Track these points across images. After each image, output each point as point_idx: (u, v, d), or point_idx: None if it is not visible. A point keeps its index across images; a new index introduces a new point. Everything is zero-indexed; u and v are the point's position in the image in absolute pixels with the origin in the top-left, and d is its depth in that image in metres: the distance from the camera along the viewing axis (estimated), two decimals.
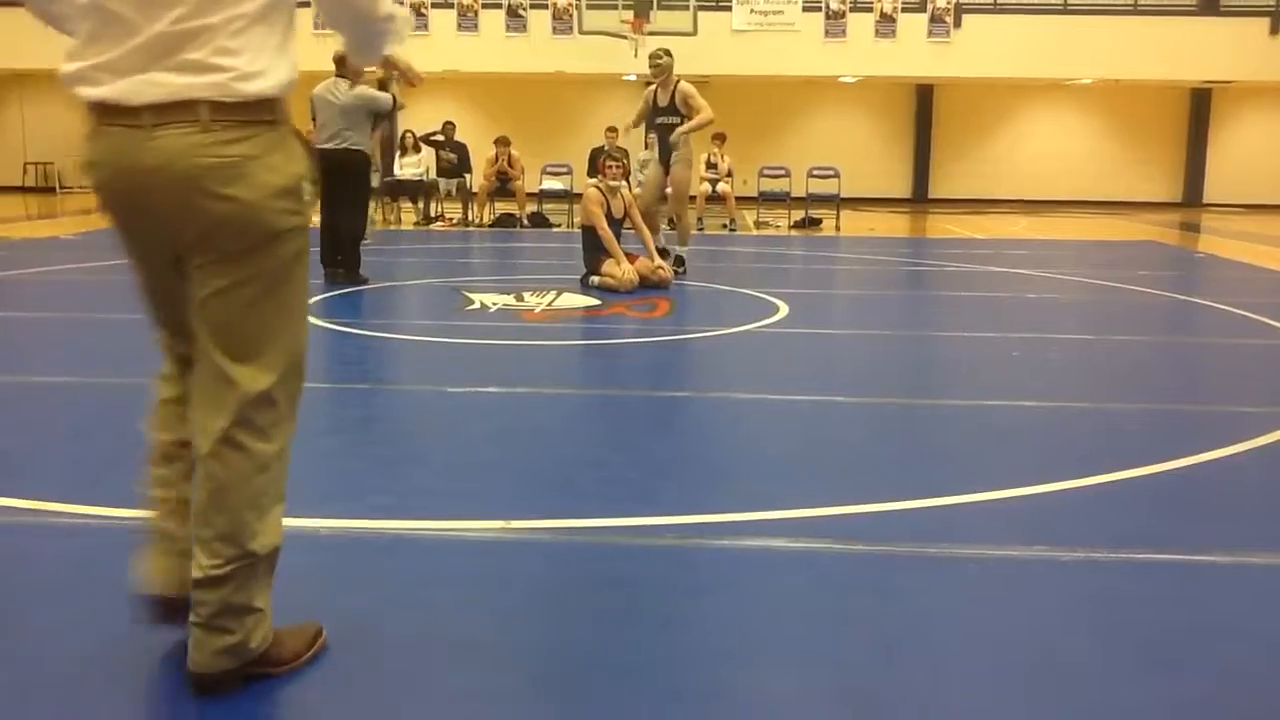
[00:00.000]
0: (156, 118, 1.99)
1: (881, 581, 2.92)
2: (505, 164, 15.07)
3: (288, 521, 2.29)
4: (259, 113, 2.05)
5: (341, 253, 8.58)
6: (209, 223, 2.04)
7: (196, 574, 2.14)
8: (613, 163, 8.76)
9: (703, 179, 15.87)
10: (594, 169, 9.13)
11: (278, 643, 2.30)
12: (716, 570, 2.97)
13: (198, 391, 2.17)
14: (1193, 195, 23.11)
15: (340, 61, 8.44)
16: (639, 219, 9.03)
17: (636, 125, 10.04)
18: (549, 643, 2.59)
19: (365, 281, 8.58)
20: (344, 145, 8.35)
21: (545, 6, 19.46)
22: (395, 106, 8.95)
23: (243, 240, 2.07)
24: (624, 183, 8.89)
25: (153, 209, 2.06)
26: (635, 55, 17.89)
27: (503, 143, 15.16)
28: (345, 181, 8.32)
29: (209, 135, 2.00)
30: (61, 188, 23.02)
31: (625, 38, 17.87)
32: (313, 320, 6.90)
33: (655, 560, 3.05)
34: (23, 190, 22.86)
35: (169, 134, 1.99)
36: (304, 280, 2.22)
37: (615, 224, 8.73)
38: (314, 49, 18.00)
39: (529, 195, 15.65)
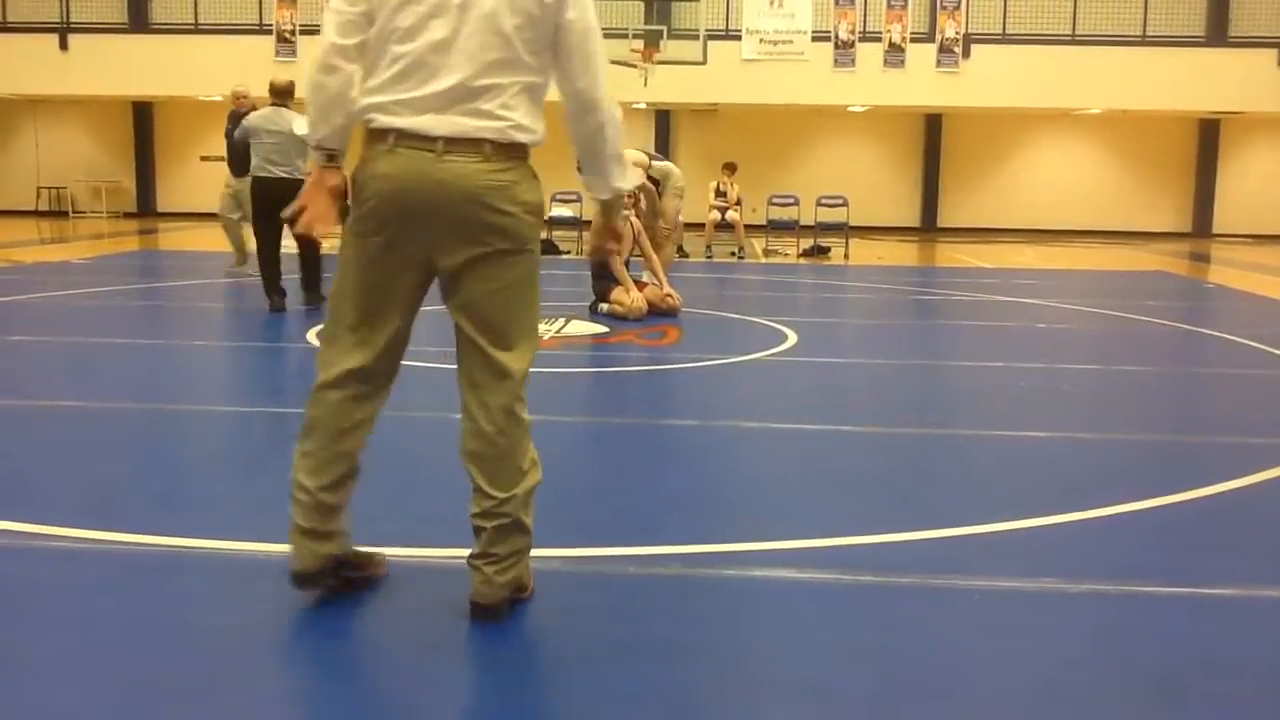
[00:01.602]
0: (449, 146, 2.57)
1: (887, 613, 2.91)
2: None
3: (276, 547, 2.29)
4: (520, 153, 2.65)
5: (306, 275, 8.78)
6: (486, 227, 2.60)
7: (484, 505, 2.67)
8: None
9: (712, 207, 15.93)
10: None
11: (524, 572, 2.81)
12: (722, 601, 2.97)
13: (471, 376, 2.69)
14: (1202, 225, 23.10)
15: (281, 90, 8.67)
16: (648, 247, 9.06)
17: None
18: (553, 672, 2.59)
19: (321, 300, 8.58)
20: (295, 175, 8.30)
21: None
22: None
23: (509, 244, 2.63)
24: (632, 212, 8.92)
25: (436, 214, 2.59)
26: (645, 84, 18.00)
27: None
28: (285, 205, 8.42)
29: (489, 164, 2.59)
30: (74, 212, 23.18)
31: (635, 66, 17.97)
32: (314, 344, 6.94)
33: (661, 590, 3.04)
34: (36, 214, 23.01)
35: (457, 159, 2.57)
36: (538, 284, 2.77)
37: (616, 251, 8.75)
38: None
39: None
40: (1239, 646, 2.76)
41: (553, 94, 2.74)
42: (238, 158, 9.51)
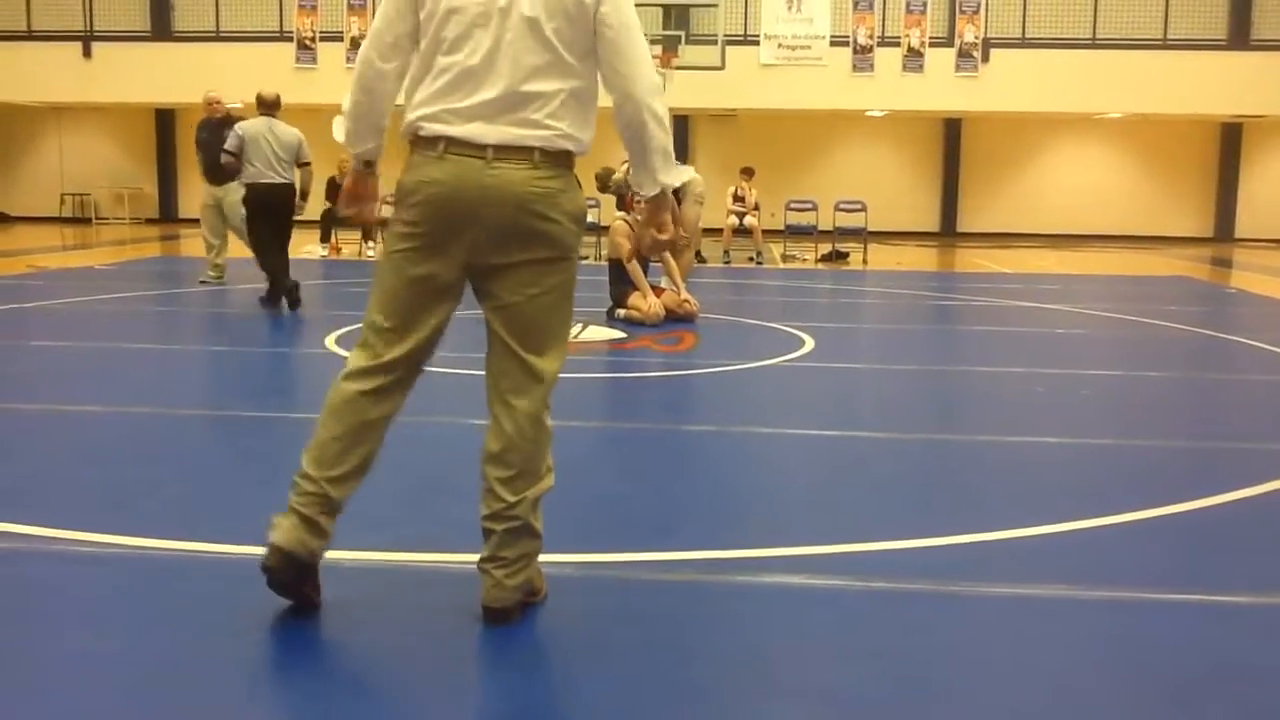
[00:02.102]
0: (498, 154, 2.62)
1: (899, 619, 2.91)
2: None
3: None
4: (566, 161, 2.70)
5: (287, 278, 9.03)
6: (532, 235, 2.66)
7: (495, 507, 2.70)
8: (639, 199, 8.80)
9: (729, 212, 15.93)
10: (621, 203, 9.19)
11: (536, 576, 2.85)
12: (735, 606, 2.97)
13: (501, 380, 2.74)
14: (1224, 230, 22.95)
15: (271, 103, 9.16)
16: (665, 253, 9.06)
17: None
18: (566, 676, 2.59)
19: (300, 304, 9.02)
20: (282, 180, 8.95)
21: None
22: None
23: (553, 251, 2.69)
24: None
25: (483, 219, 2.64)
26: (664, 89, 17.99)
27: None
28: (285, 212, 9.03)
29: (537, 171, 2.64)
30: (97, 218, 23.38)
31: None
32: (333, 349, 6.97)
33: (674, 595, 3.05)
34: (59, 220, 23.22)
35: (505, 166, 2.62)
36: (574, 291, 2.82)
37: (642, 257, 8.77)
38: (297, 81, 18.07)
39: None
40: (1256, 654, 2.74)
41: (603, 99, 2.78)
42: (216, 166, 9.68)
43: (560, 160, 2.69)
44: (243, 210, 9.28)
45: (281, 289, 9.01)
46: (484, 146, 2.62)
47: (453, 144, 2.64)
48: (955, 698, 2.48)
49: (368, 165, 2.83)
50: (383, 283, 2.76)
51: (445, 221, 2.66)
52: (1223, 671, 2.64)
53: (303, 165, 9.20)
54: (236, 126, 9.07)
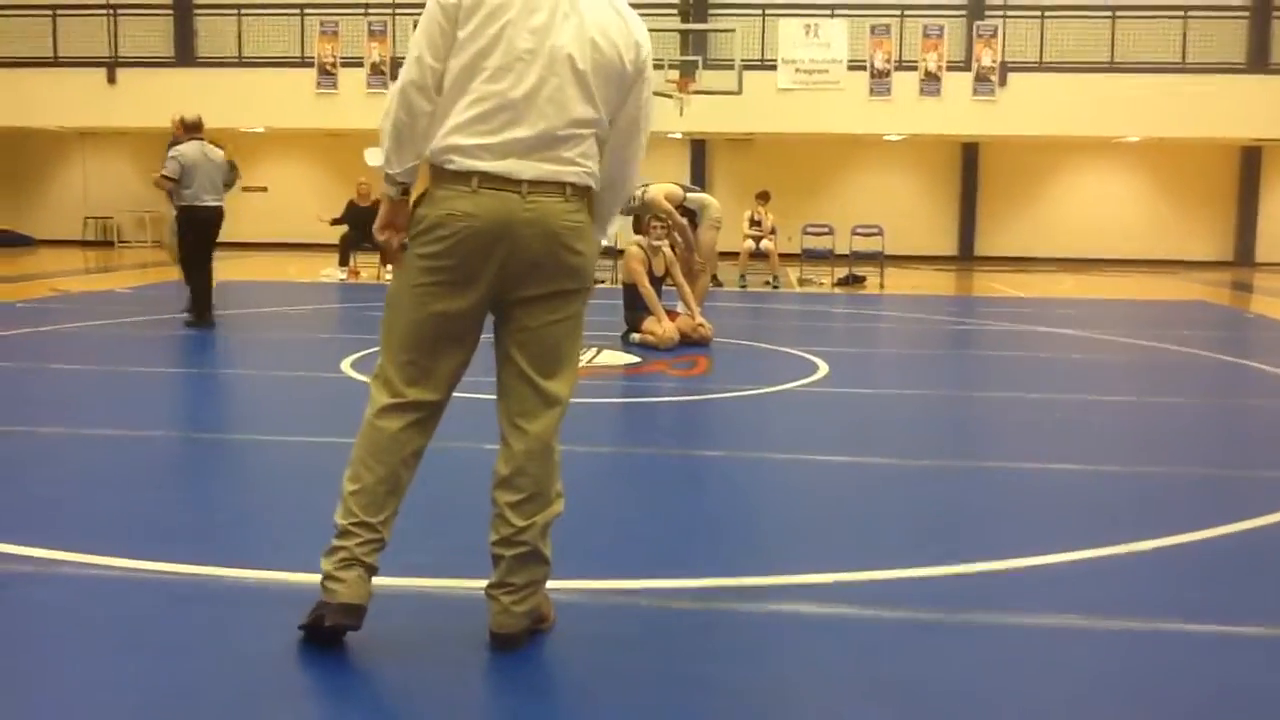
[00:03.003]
0: (532, 188, 2.66)
1: (908, 648, 2.90)
2: None
3: (304, 577, 2.33)
4: (589, 196, 2.79)
5: (205, 299, 9.38)
6: (561, 267, 2.72)
7: (504, 532, 2.74)
8: (657, 223, 8.85)
9: (746, 236, 15.96)
10: (638, 226, 9.23)
11: (544, 603, 2.87)
12: (745, 634, 2.98)
13: (514, 405, 2.79)
14: (1244, 254, 22.82)
15: (196, 126, 9.44)
16: (680, 277, 9.10)
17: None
18: (572, 704, 2.60)
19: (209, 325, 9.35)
20: (217, 203, 9.34)
21: None
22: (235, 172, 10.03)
23: (577, 283, 2.77)
24: (666, 242, 8.98)
25: (516, 252, 2.68)
26: (681, 114, 18.09)
27: None
28: (215, 234, 9.44)
29: (568, 204, 2.71)
30: (120, 242, 23.60)
31: (671, 97, 18.08)
32: (349, 374, 7.01)
33: (683, 623, 3.06)
34: (83, 244, 23.45)
35: (541, 199, 2.67)
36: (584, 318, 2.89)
37: (656, 282, 8.81)
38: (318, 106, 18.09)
39: None
40: (1269, 686, 2.73)
41: None
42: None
43: (585, 195, 2.76)
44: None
45: (208, 305, 9.38)
46: (520, 181, 2.65)
47: (487, 178, 2.64)
48: None
49: (404, 192, 2.76)
50: (402, 316, 2.75)
51: (476, 255, 2.67)
52: (1234, 702, 2.63)
53: (229, 185, 9.67)
54: (174, 151, 9.32)
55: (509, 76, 2.62)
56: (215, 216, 9.36)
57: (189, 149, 9.28)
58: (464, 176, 2.64)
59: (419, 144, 2.69)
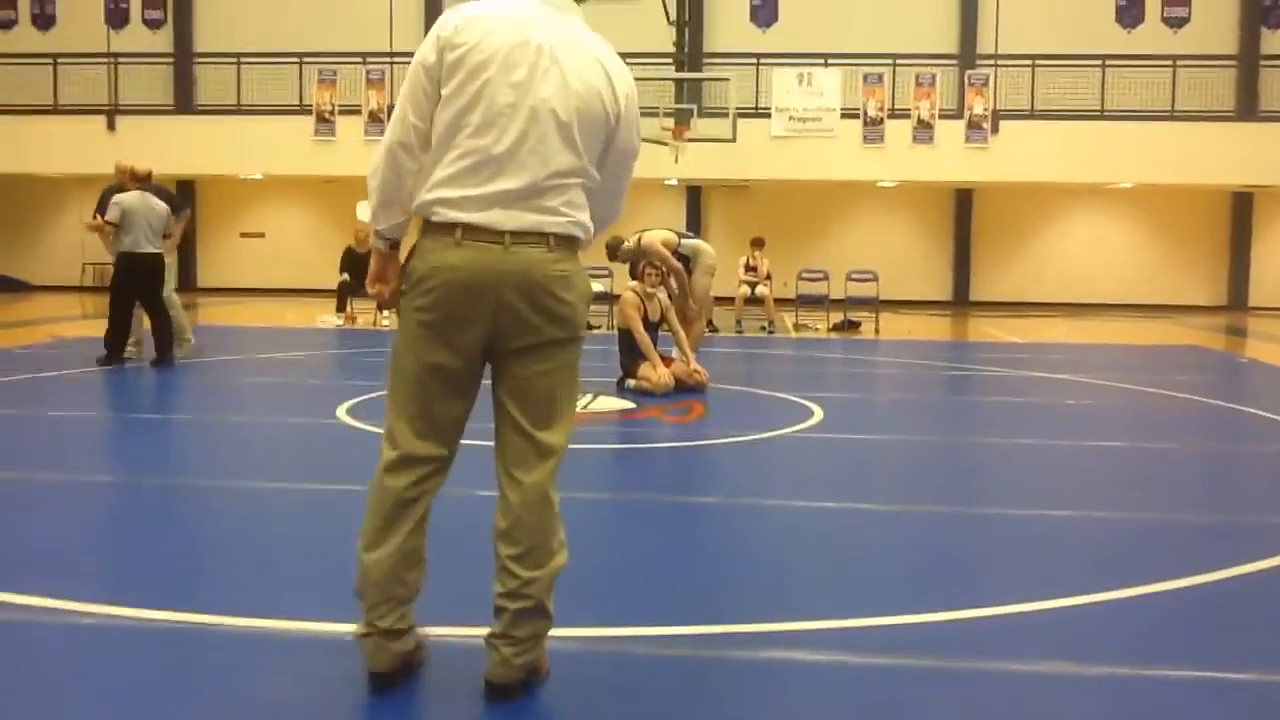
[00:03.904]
0: (515, 239, 2.68)
1: (898, 697, 2.91)
2: None
3: (300, 625, 2.33)
4: (576, 246, 2.80)
5: (163, 339, 9.86)
6: (548, 316, 2.73)
7: (509, 585, 2.74)
8: (652, 270, 8.91)
9: (741, 281, 16.05)
10: (633, 272, 9.29)
11: (541, 654, 2.87)
12: (736, 683, 2.98)
13: (509, 456, 2.80)
14: (1237, 299, 22.96)
15: (145, 177, 9.91)
16: (675, 322, 9.14)
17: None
18: None
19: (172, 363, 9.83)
20: (155, 250, 9.75)
21: None
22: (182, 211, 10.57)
23: (566, 331, 2.78)
24: (661, 288, 9.03)
25: (502, 303, 2.70)
26: (676, 161, 18.25)
27: None
28: (156, 280, 9.82)
29: (552, 254, 2.72)
30: None
31: (666, 144, 18.25)
32: (344, 420, 7.02)
33: (674, 671, 3.06)
34: (79, 290, 23.51)
35: (524, 249, 2.69)
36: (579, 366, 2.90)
37: (652, 328, 8.85)
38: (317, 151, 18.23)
39: None
40: None
41: None
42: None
43: (571, 245, 2.77)
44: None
45: (169, 341, 9.86)
46: (502, 232, 2.67)
47: (470, 230, 2.67)
48: None
49: (392, 246, 2.84)
50: (402, 370, 2.79)
51: (464, 307, 2.70)
52: None
53: (168, 236, 10.04)
54: (116, 198, 9.72)
55: (492, 132, 2.66)
56: (154, 264, 9.77)
57: (131, 197, 9.71)
58: (448, 229, 2.68)
59: (405, 201, 2.77)
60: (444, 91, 2.68)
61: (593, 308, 13.78)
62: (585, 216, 2.79)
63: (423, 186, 2.72)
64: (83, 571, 3.88)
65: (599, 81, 2.73)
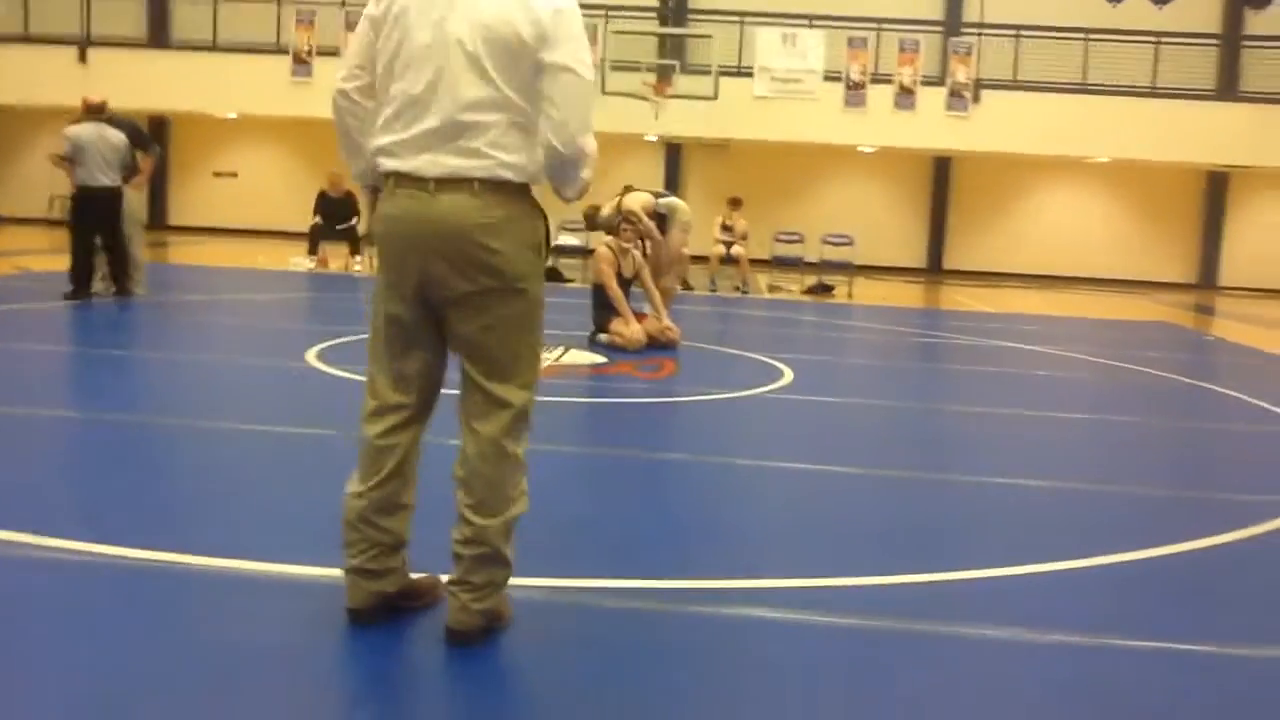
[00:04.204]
0: (439, 186, 2.65)
1: (860, 657, 2.93)
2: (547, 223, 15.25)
3: (275, 566, 2.31)
4: (511, 191, 2.69)
5: (117, 271, 9.82)
6: (475, 265, 2.67)
7: (464, 532, 2.74)
8: (627, 226, 8.86)
9: (717, 241, 16.01)
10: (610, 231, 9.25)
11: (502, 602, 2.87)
12: (697, 637, 2.99)
13: (467, 407, 2.78)
14: (1207, 277, 23.16)
15: (97, 108, 9.67)
16: (649, 279, 9.12)
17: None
18: (523, 703, 2.61)
19: (133, 295, 9.87)
20: (111, 184, 9.56)
21: None
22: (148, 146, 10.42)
23: (497, 281, 2.69)
24: (635, 244, 9.00)
25: (430, 252, 2.67)
26: (656, 117, 18.14)
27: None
28: (114, 214, 9.61)
29: (478, 200, 2.66)
30: None
31: (647, 100, 18.13)
32: (313, 364, 6.97)
33: (637, 624, 3.07)
34: (47, 223, 23.15)
35: (448, 198, 2.65)
36: (541, 319, 2.83)
37: (625, 283, 8.82)
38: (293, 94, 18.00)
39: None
40: (1214, 706, 2.77)
41: None
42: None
43: (505, 190, 2.69)
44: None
45: (125, 273, 9.80)
46: (427, 180, 2.67)
47: (401, 180, 2.70)
48: None
49: (374, 191, 2.87)
50: (374, 320, 2.86)
51: (398, 257, 2.74)
52: (1177, 718, 2.67)
53: (131, 165, 9.85)
54: (67, 131, 9.58)
55: (410, 73, 2.67)
56: (110, 196, 9.55)
57: (83, 129, 9.54)
58: (387, 178, 2.73)
59: (358, 149, 2.83)
60: (379, 40, 2.72)
61: (567, 262, 13.86)
62: (519, 157, 2.68)
63: (372, 136, 2.76)
64: (49, 507, 3.84)
65: (510, 5, 2.63)
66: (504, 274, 2.70)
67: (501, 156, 2.66)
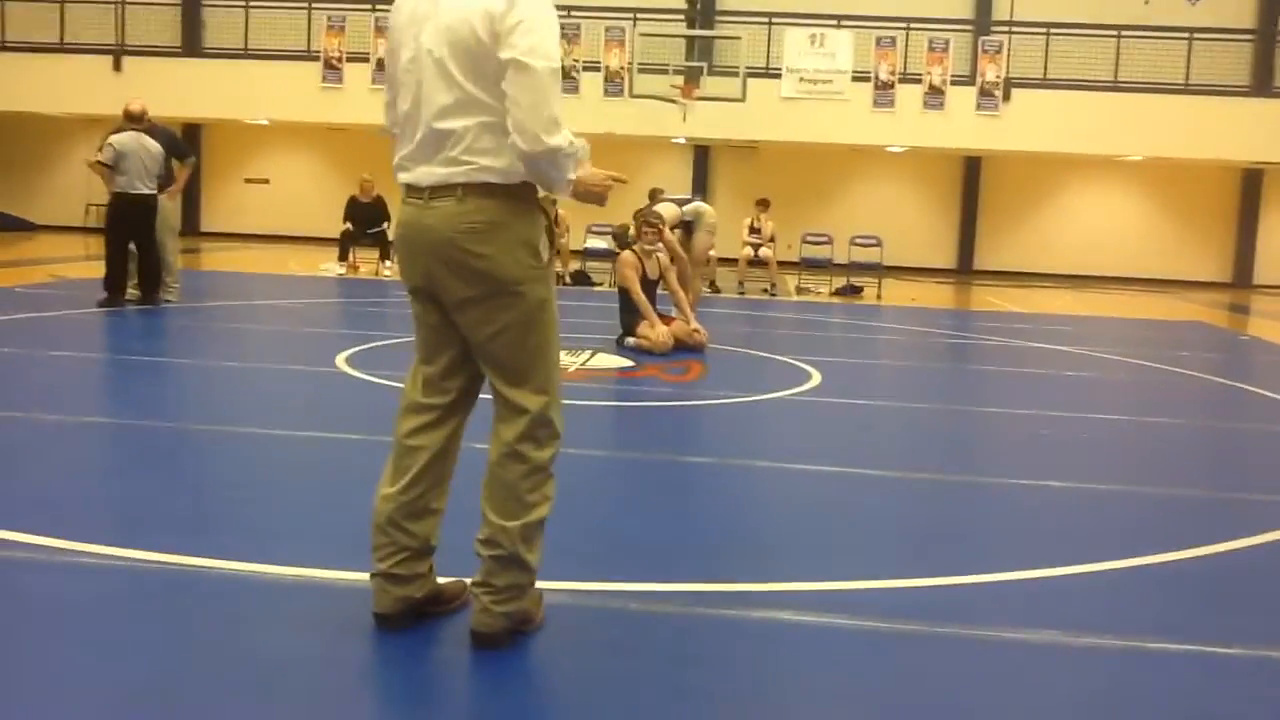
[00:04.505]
0: (432, 195, 2.72)
1: (887, 660, 2.93)
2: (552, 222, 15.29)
3: (307, 571, 2.34)
4: (497, 193, 2.68)
5: (150, 278, 9.96)
6: (465, 271, 2.70)
7: (484, 533, 2.77)
8: (648, 229, 8.87)
9: (745, 243, 15.99)
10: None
11: (531, 605, 2.89)
12: (726, 641, 2.99)
13: (494, 408, 2.81)
14: (1242, 276, 22.87)
15: (137, 117, 9.84)
16: (674, 282, 9.12)
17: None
18: (549, 706, 2.62)
19: (164, 302, 10.07)
20: (150, 191, 9.75)
21: (598, 69, 19.81)
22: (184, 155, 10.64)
23: (489, 286, 2.70)
24: (659, 246, 8.99)
25: (428, 259, 2.73)
26: (684, 119, 18.13)
27: (549, 202, 15.37)
28: (151, 220, 9.78)
29: (462, 206, 2.68)
30: None
31: (675, 102, 18.12)
32: (342, 369, 7.01)
33: (665, 628, 3.07)
34: (84, 230, 23.43)
35: (438, 205, 2.70)
36: (549, 320, 2.80)
37: (651, 286, 8.82)
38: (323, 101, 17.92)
39: (573, 253, 15.83)
40: (1244, 708, 2.74)
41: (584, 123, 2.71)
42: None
43: (490, 192, 2.69)
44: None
45: (155, 284, 9.97)
46: (423, 190, 2.74)
47: (408, 190, 2.80)
48: None
49: None
50: (413, 321, 2.93)
51: (407, 264, 2.83)
52: None
53: (167, 174, 10.05)
54: (111, 139, 9.71)
55: (402, 90, 2.77)
56: (147, 204, 9.75)
57: (125, 138, 9.69)
58: (403, 190, 2.83)
59: None
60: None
61: (594, 265, 13.85)
62: (499, 160, 2.66)
63: None
64: (81, 512, 3.90)
65: (470, 9, 2.61)
66: (494, 278, 2.70)
67: (480, 161, 2.67)
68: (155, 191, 9.82)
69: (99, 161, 9.64)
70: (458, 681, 2.73)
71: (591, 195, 2.82)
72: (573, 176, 2.69)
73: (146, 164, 9.68)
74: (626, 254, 8.89)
